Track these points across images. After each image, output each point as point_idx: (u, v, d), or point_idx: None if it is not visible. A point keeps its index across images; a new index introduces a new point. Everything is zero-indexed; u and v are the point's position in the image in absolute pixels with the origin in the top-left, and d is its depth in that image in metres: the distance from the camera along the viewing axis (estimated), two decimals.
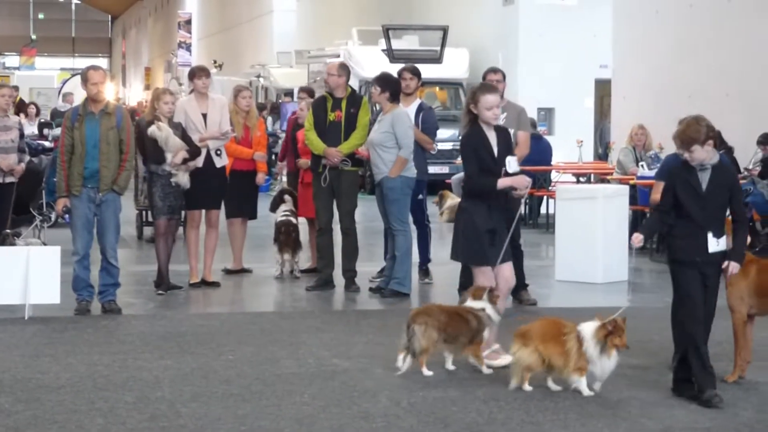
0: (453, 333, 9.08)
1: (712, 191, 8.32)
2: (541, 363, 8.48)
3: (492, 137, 9.29)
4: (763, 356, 9.40)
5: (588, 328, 8.48)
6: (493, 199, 9.30)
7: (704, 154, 8.30)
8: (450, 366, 9.21)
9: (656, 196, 9.41)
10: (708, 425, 7.78)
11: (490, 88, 9.41)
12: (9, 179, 13.76)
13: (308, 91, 15.79)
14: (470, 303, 9.24)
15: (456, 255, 9.57)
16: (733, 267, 8.40)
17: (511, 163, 9.37)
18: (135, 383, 8.75)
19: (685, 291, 8.44)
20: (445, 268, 14.03)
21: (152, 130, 12.40)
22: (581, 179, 20.78)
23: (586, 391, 8.39)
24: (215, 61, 48.34)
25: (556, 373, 8.53)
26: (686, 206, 8.34)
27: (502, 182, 9.25)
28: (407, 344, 8.98)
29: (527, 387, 8.50)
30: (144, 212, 17.23)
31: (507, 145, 9.40)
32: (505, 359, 9.14)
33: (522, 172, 13.05)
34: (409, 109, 13.10)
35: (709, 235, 8.29)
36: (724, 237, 8.41)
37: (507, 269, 9.46)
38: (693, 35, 20.77)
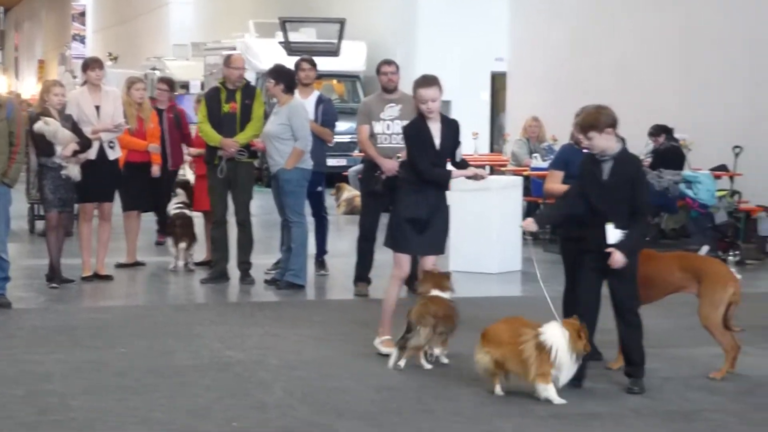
0: (445, 329, 9.10)
1: (613, 182, 8.35)
2: (496, 366, 8.16)
3: (435, 128, 9.30)
4: (651, 343, 9.57)
5: (556, 333, 8.10)
6: (421, 189, 9.30)
7: (603, 143, 8.36)
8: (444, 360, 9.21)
9: (550, 185, 9.53)
10: (597, 410, 7.91)
11: (426, 82, 9.32)
12: None
13: (167, 81, 15.79)
14: (439, 293, 9.21)
15: (386, 241, 9.58)
16: (616, 258, 8.27)
17: (458, 154, 9.48)
18: (25, 377, 8.65)
19: (576, 283, 8.57)
20: (341, 260, 14.10)
21: (39, 126, 12.26)
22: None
23: (557, 400, 7.98)
24: (110, 54, 47.85)
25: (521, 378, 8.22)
26: (588, 196, 8.42)
27: (457, 173, 9.32)
28: (403, 340, 8.93)
29: (497, 391, 8.19)
30: (36, 205, 17.01)
31: (454, 137, 9.41)
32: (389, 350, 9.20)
33: None
34: (307, 100, 13.11)
35: (610, 226, 8.33)
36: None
37: (429, 261, 9.47)
38: (588, 30, 21.09)
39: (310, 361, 9.24)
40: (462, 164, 9.64)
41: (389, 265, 13.54)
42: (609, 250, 8.28)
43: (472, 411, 7.83)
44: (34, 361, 9.16)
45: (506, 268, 14.07)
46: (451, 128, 9.43)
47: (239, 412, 7.74)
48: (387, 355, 9.11)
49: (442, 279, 9.30)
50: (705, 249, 15.19)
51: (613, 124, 8.39)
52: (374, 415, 7.72)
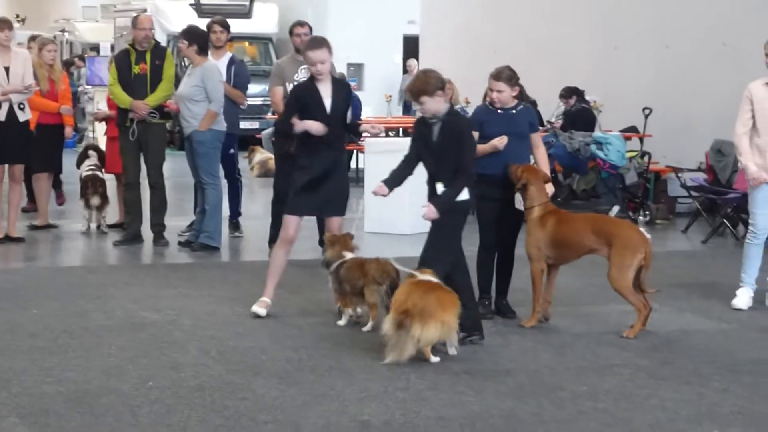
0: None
1: (441, 142, 8.51)
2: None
3: (326, 90, 9.25)
4: (564, 302, 9.73)
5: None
6: (313, 152, 9.27)
7: (434, 105, 8.49)
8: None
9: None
10: (509, 366, 8.02)
11: (315, 44, 9.29)
12: None
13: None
14: (348, 254, 9.24)
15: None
16: (428, 210, 8.50)
17: (349, 116, 9.54)
18: None
19: None
20: (255, 222, 14.10)
21: None
22: (390, 133, 20.99)
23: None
24: (18, 15, 47.00)
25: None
26: (421, 157, 8.61)
27: (300, 125, 9.21)
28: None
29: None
30: None
31: (344, 98, 9.38)
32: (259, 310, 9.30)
33: None
34: (220, 62, 13.05)
35: (439, 186, 8.53)
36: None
37: (335, 223, 9.48)
38: None
39: (225, 322, 9.25)
40: (351, 126, 9.69)
41: (306, 227, 13.60)
42: (424, 204, 8.52)
43: (386, 369, 7.89)
44: None
45: (419, 229, 14.07)
46: (342, 90, 9.41)
47: (154, 372, 7.74)
48: (260, 316, 9.23)
49: (347, 240, 9.36)
50: (615, 209, 15.42)
51: (441, 87, 8.53)
52: (290, 374, 7.76)
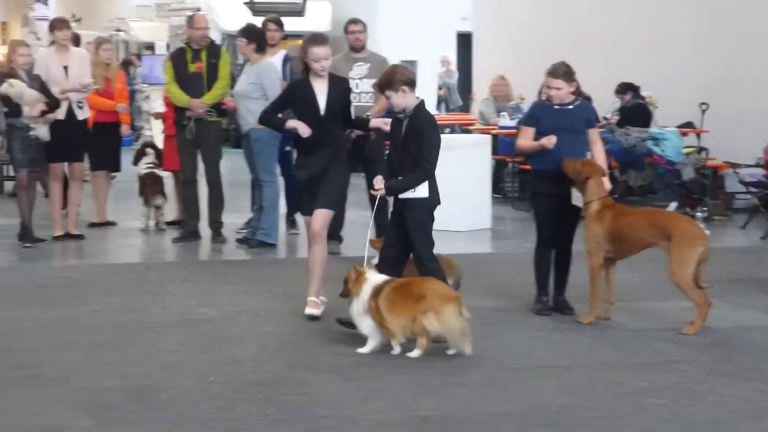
0: None
1: (407, 138, 8.55)
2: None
3: (322, 87, 9.14)
4: (622, 297, 9.69)
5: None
6: (311, 151, 9.17)
7: (401, 101, 8.53)
8: None
9: (521, 142, 9.60)
10: (567, 363, 8.02)
11: (319, 40, 9.22)
12: None
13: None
14: None
15: None
16: (378, 181, 8.56)
17: (352, 113, 9.48)
18: None
19: None
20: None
21: (4, 88, 12.24)
22: (444, 130, 21.01)
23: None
24: (74, 15, 47.41)
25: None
26: (390, 152, 8.72)
27: (291, 123, 9.16)
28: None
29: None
30: (4, 166, 16.97)
31: (342, 95, 9.24)
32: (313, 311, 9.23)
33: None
34: (274, 59, 13.10)
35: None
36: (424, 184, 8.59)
37: (317, 216, 9.20)
38: None
39: (282, 318, 9.31)
40: (359, 121, 9.70)
41: (360, 224, 13.68)
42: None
43: (445, 364, 7.91)
44: (6, 319, 9.20)
45: (475, 226, 14.16)
46: (339, 87, 9.27)
47: (214, 367, 7.80)
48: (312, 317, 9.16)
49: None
50: (672, 206, 15.33)
51: (408, 82, 8.55)
52: (347, 369, 7.80)
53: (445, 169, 14.08)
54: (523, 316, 9.39)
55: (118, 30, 36.65)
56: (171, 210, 14.38)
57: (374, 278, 8.23)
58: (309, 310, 9.26)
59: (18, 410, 6.84)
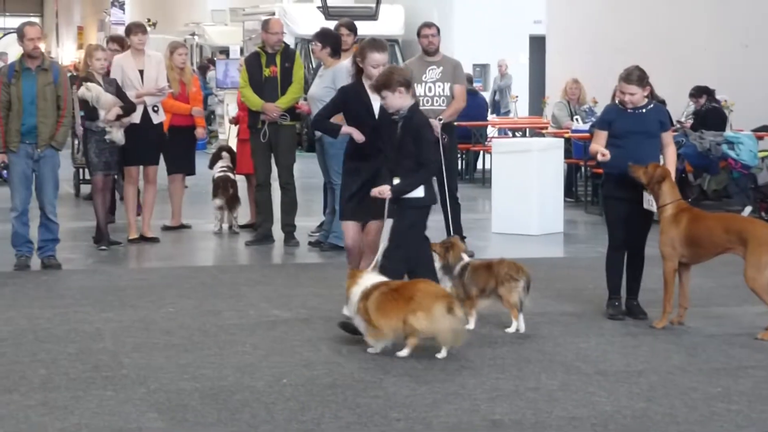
0: None
1: (402, 139, 8.58)
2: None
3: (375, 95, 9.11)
4: (696, 302, 9.61)
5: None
6: (358, 156, 9.18)
7: (397, 101, 8.57)
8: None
9: (592, 146, 9.56)
10: (641, 368, 7.97)
11: (379, 46, 9.20)
12: None
13: (118, 40, 14.86)
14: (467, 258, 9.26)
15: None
16: (381, 189, 8.59)
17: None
18: (76, 335, 8.81)
19: None
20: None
21: (81, 91, 12.39)
22: (516, 134, 20.98)
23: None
24: (149, 20, 47.90)
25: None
26: (385, 152, 8.72)
27: (346, 129, 9.18)
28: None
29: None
30: (81, 169, 17.20)
31: None
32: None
33: (457, 127, 13.28)
34: (347, 63, 13.13)
35: (396, 180, 8.60)
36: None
37: (374, 226, 9.28)
38: None
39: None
40: None
41: (432, 228, 13.66)
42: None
43: (517, 368, 7.91)
44: (84, 321, 9.32)
45: (548, 229, 14.12)
46: None
47: (287, 369, 7.85)
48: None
49: (461, 243, 9.37)
50: (748, 210, 15.18)
51: (404, 83, 8.59)
52: (420, 372, 7.81)
53: (518, 172, 14.26)
54: (596, 321, 9.35)
55: (193, 34, 37.00)
56: (244, 213, 14.48)
57: (366, 280, 8.30)
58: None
59: (95, 410, 6.94)
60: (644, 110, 9.43)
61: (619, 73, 9.47)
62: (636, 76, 9.38)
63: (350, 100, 9.21)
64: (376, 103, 9.07)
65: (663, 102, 17.03)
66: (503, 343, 8.60)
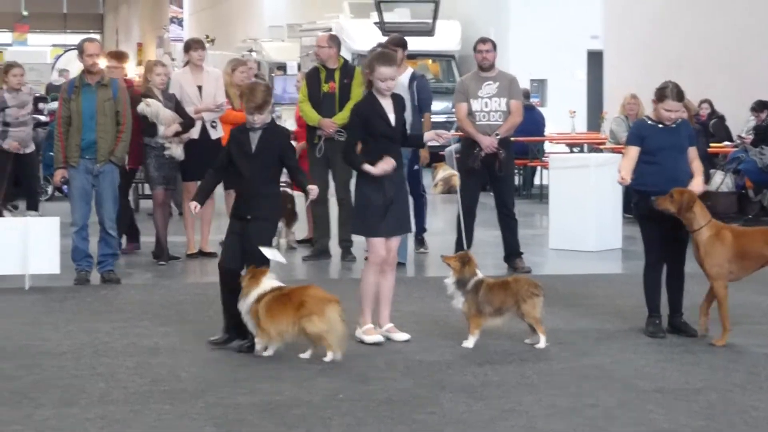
0: None
1: (260, 151, 8.84)
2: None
3: (387, 104, 9.11)
4: (755, 320, 9.53)
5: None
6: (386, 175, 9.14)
7: (261, 118, 8.81)
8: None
9: (628, 162, 9.43)
10: (700, 386, 7.91)
11: (387, 59, 9.12)
12: (29, 149, 13.76)
13: (115, 56, 14.10)
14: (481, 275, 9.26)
15: (354, 228, 9.54)
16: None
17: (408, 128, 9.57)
18: (135, 349, 8.88)
19: None
20: (440, 238, 14.17)
21: (141, 107, 12.48)
22: (574, 149, 20.91)
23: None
24: (207, 36, 48.25)
25: None
26: (237, 165, 8.97)
27: (367, 168, 9.05)
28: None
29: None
30: (139, 185, 17.32)
31: (403, 112, 9.25)
32: (375, 338, 9.11)
33: (514, 142, 13.26)
34: (401, 78, 13.15)
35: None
36: None
37: (394, 242, 9.31)
38: (680, 4, 20.89)
39: (411, 336, 9.32)
40: (413, 138, 9.69)
41: (489, 243, 13.69)
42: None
43: (575, 385, 7.87)
44: (142, 335, 9.39)
45: (605, 245, 14.05)
46: (400, 104, 9.23)
47: (343, 384, 7.87)
48: (376, 344, 9.04)
49: (474, 260, 9.29)
50: None
51: (268, 100, 8.88)
52: (476, 388, 7.80)
53: (575, 188, 14.20)
54: (655, 338, 9.28)
55: (251, 50, 37.22)
56: (302, 228, 14.53)
57: (266, 283, 8.61)
58: (371, 338, 9.14)
59: (153, 424, 6.99)
60: (673, 125, 9.36)
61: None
62: (678, 93, 9.30)
63: (370, 117, 9.10)
64: (391, 115, 9.11)
65: (722, 117, 16.97)
66: (560, 360, 8.57)
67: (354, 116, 9.28)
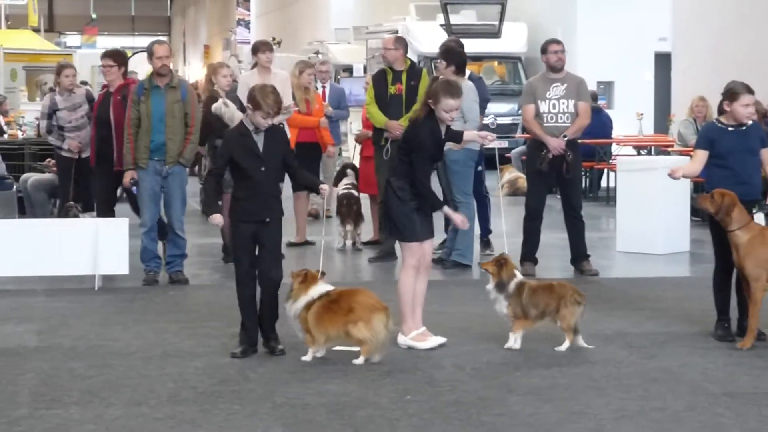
0: None
1: (267, 151, 8.80)
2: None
3: (442, 129, 9.11)
4: None
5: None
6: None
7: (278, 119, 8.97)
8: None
9: (694, 165, 9.38)
10: None
11: (453, 91, 9.00)
12: (85, 154, 13.74)
13: (112, 55, 13.32)
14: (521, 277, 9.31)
15: (388, 231, 9.59)
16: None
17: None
18: (203, 350, 8.95)
19: None
20: (506, 240, 14.10)
21: (217, 106, 12.53)
22: (641, 152, 20.78)
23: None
24: (274, 38, 48.48)
25: None
26: (243, 166, 8.82)
27: (448, 211, 9.49)
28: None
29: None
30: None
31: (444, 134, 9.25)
32: (434, 341, 9.10)
33: (581, 145, 13.20)
34: (471, 83, 13.12)
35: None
36: None
37: (428, 245, 9.40)
38: (751, 6, 20.68)
39: (478, 338, 9.34)
40: (451, 133, 9.49)
41: (556, 246, 13.63)
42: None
43: (642, 388, 7.83)
44: (210, 335, 9.46)
45: (673, 248, 13.95)
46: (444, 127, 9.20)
47: (411, 386, 7.89)
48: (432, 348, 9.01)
49: (511, 261, 9.38)
50: None
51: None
52: (544, 391, 7.79)
53: (643, 191, 14.11)
54: (724, 341, 9.21)
55: (317, 53, 37.33)
56: (368, 230, 14.56)
57: (315, 290, 8.69)
58: (425, 345, 9.10)
59: (221, 424, 7.05)
60: (744, 127, 9.27)
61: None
62: (747, 86, 9.23)
63: (429, 145, 9.04)
64: (442, 138, 9.15)
65: None
66: (628, 363, 8.53)
67: (418, 139, 9.04)
